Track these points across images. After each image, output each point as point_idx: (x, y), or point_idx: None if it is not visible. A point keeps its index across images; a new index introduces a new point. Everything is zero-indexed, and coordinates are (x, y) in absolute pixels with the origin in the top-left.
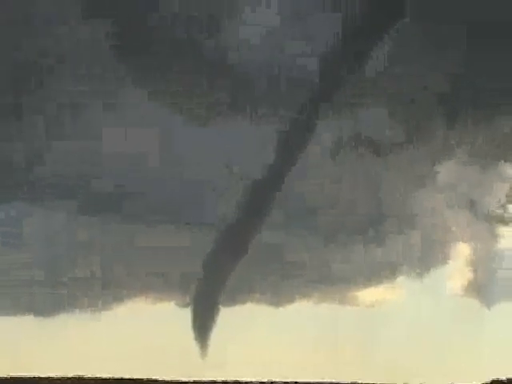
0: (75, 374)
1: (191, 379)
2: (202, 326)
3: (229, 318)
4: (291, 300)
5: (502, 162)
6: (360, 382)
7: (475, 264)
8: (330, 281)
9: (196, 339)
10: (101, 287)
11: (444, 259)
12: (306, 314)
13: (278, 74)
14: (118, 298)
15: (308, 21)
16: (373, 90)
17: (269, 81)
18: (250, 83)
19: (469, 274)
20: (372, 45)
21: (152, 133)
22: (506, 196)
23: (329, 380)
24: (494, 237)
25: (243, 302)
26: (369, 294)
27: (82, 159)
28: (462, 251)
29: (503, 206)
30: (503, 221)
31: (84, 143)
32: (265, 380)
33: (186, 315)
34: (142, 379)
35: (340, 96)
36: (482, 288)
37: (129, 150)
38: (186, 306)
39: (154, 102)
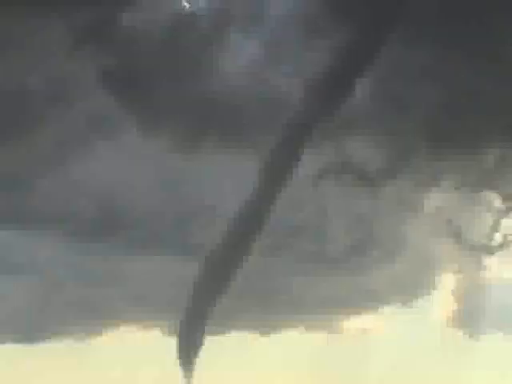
0: None
1: None
2: (188, 353)
3: (215, 346)
4: (278, 328)
5: (487, 190)
6: None
7: (461, 294)
8: (315, 309)
9: (181, 367)
10: (88, 313)
11: (429, 289)
12: (292, 343)
13: (262, 102)
14: (105, 325)
15: (294, 48)
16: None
17: (253, 109)
18: (235, 113)
19: (455, 304)
20: (361, 69)
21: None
22: (492, 225)
23: None
24: (480, 266)
25: (229, 329)
26: (353, 323)
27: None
28: (448, 281)
29: (489, 236)
30: (489, 250)
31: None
32: None
33: (171, 342)
34: None
35: (325, 121)
36: (468, 318)
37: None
38: (171, 333)
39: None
